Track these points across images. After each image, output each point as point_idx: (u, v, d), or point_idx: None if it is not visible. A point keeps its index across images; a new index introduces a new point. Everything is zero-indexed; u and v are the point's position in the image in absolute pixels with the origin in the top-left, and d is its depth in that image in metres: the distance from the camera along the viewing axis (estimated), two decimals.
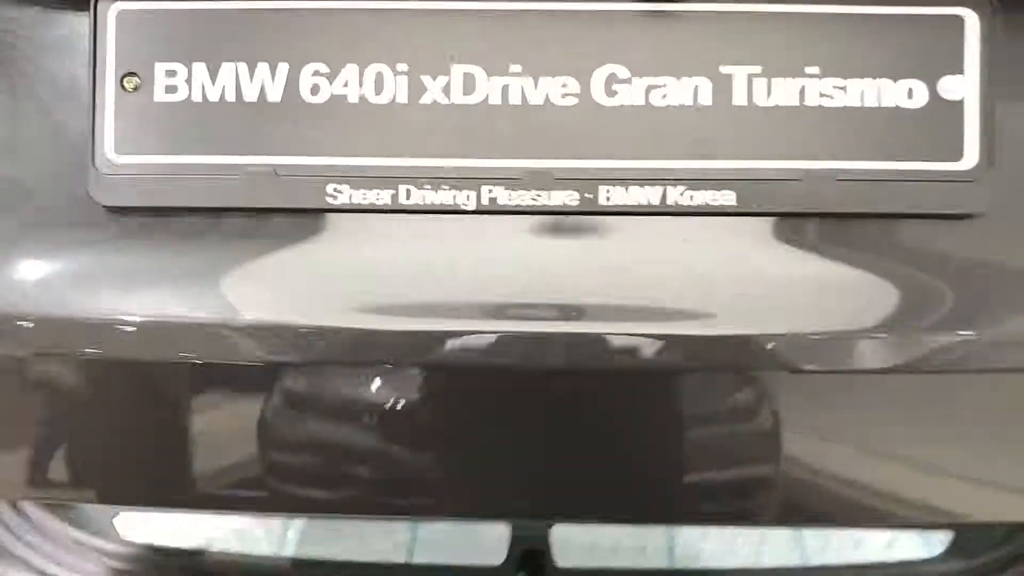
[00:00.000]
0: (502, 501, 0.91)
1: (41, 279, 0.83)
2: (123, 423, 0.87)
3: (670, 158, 0.78)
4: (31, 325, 0.82)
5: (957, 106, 0.75)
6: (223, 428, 0.88)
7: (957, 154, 0.76)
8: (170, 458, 0.89)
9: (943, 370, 0.77)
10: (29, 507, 1.25)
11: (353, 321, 0.81)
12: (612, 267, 0.80)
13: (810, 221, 0.78)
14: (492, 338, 0.80)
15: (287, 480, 0.89)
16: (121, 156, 0.80)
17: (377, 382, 0.84)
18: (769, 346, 0.78)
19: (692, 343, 0.79)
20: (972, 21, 0.75)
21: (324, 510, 0.97)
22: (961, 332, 0.76)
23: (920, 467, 0.84)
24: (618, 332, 0.79)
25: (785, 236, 0.78)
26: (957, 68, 0.76)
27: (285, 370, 0.84)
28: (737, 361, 0.79)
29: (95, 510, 1.31)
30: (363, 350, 0.81)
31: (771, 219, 0.78)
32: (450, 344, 0.81)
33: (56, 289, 0.83)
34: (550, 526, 1.30)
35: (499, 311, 0.81)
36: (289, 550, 1.28)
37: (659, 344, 0.79)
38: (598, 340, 0.79)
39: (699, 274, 0.79)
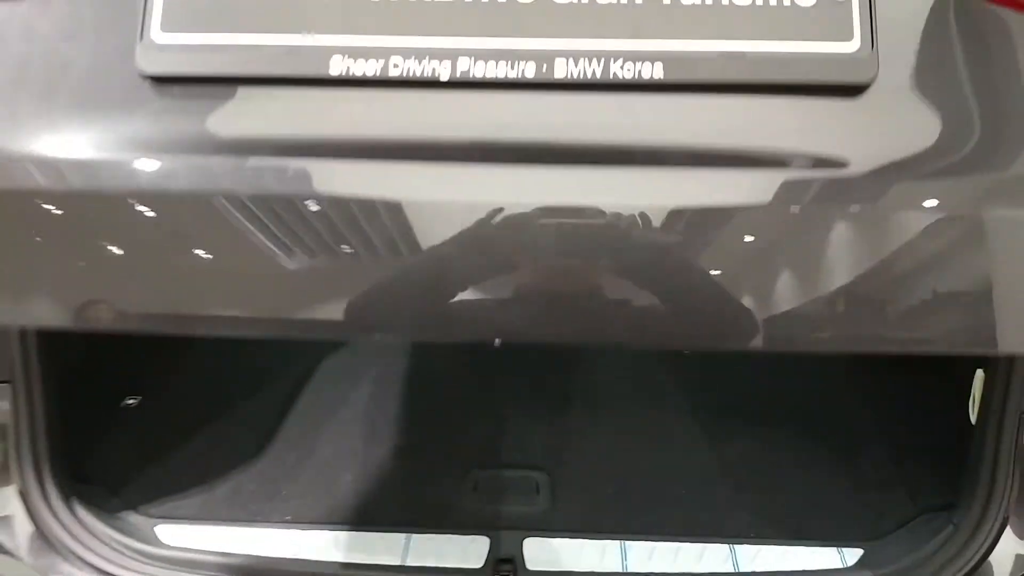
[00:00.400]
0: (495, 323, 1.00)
1: (94, 127, 0.99)
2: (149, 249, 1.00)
3: (612, 38, 0.93)
4: (89, 164, 0.98)
5: (846, 3, 0.93)
6: (249, 253, 0.99)
7: (847, 38, 0.92)
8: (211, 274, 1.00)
9: (838, 207, 0.93)
10: (82, 512, 1.48)
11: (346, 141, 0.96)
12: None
13: (728, 90, 0.92)
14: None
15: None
16: (164, 35, 0.96)
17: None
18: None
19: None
20: None
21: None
22: (852, 170, 0.93)
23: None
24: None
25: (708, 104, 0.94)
26: None
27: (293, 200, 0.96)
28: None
29: (138, 519, 1.54)
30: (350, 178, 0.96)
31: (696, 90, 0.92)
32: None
33: (106, 138, 0.99)
34: (524, 538, 1.52)
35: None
36: (295, 554, 1.49)
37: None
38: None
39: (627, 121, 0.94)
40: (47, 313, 1.01)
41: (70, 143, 0.99)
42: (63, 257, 1.00)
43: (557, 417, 1.88)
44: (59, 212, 0.99)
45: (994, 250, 0.93)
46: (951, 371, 1.64)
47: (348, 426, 1.85)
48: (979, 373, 1.49)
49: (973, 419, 1.49)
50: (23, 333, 1.45)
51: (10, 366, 1.45)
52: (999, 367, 1.39)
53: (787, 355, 2.04)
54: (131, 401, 1.89)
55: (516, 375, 2.03)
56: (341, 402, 1.93)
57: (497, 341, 1.04)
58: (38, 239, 0.99)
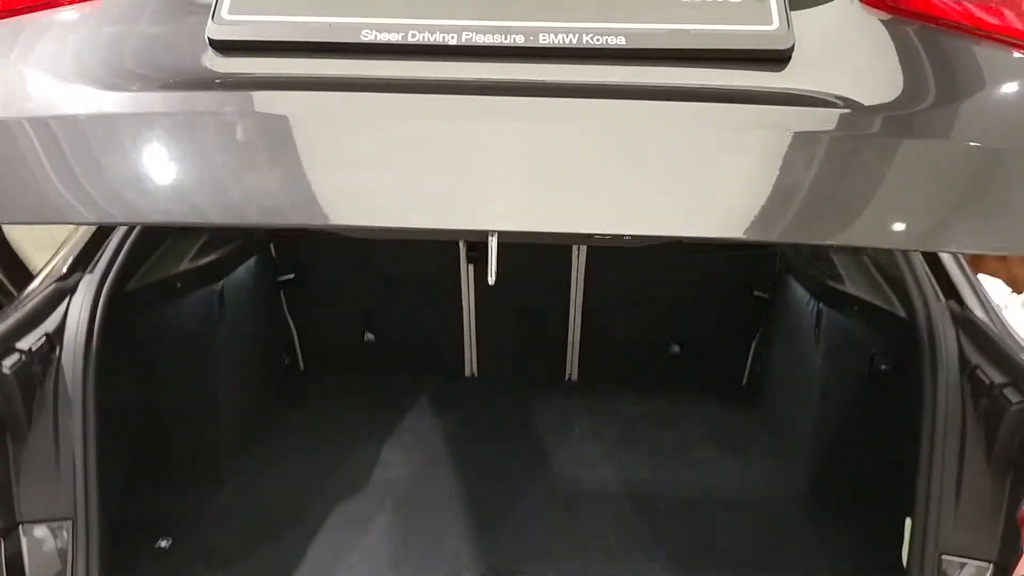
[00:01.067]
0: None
1: (172, 75, 1.25)
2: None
3: (587, 21, 1.20)
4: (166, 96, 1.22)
5: (766, 1, 1.21)
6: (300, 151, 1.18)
7: (768, 22, 1.19)
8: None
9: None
10: None
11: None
12: None
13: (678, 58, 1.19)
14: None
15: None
16: (231, 15, 1.23)
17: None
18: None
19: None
20: None
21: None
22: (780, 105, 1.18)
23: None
24: None
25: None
26: None
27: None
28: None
29: None
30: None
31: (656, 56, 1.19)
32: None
33: (179, 82, 1.24)
34: None
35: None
36: None
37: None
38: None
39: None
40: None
41: (154, 85, 1.27)
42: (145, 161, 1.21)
43: (538, 527, 2.10)
44: (151, 129, 1.23)
45: (872, 160, 1.18)
46: (891, 520, 1.88)
47: (357, 567, 2.06)
48: (908, 520, 1.73)
49: (905, 561, 1.73)
50: (86, 477, 1.70)
51: (72, 506, 1.69)
52: (921, 515, 1.64)
53: (750, 499, 2.29)
54: (163, 544, 2.11)
55: (503, 493, 2.26)
56: (351, 546, 2.14)
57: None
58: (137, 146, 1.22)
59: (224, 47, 1.22)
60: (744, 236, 1.13)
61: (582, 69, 1.20)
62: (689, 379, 3.05)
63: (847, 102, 1.18)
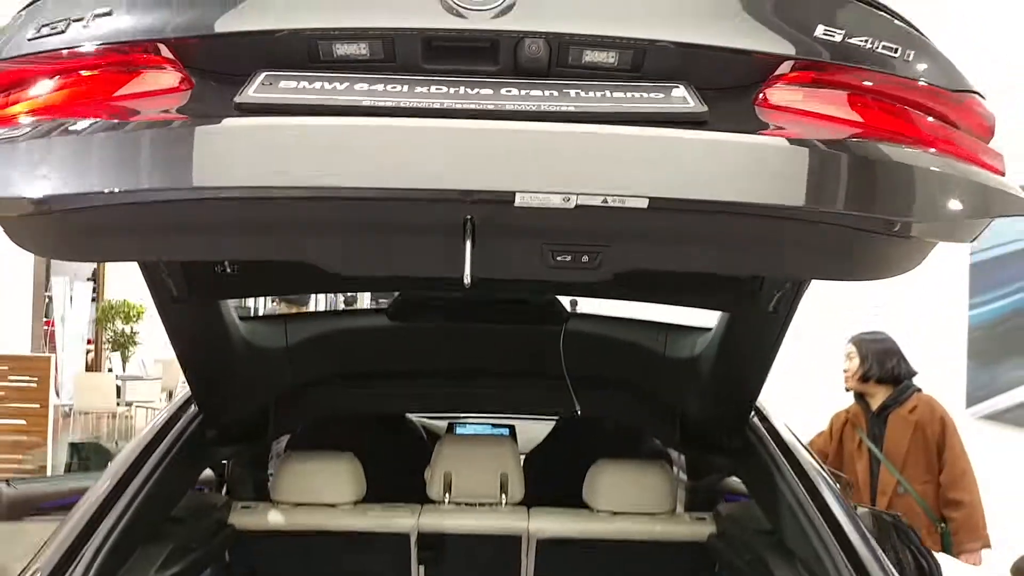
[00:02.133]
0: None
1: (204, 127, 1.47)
2: None
3: (540, 102, 1.46)
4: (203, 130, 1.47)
5: (681, 96, 1.49)
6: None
7: (686, 104, 1.47)
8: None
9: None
10: None
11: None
12: None
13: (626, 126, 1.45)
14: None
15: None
16: (254, 94, 1.45)
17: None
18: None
19: None
20: (683, 87, 1.50)
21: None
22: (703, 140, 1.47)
23: None
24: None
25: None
26: (681, 81, 1.52)
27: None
28: None
29: None
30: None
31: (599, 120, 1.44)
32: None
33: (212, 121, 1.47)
34: None
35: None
36: None
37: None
38: None
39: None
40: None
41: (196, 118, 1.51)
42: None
43: None
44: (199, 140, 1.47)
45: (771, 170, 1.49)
46: None
47: None
48: None
49: None
50: None
51: None
52: None
53: None
54: None
55: None
56: None
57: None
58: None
59: (245, 109, 1.48)
60: (671, 194, 1.45)
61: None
62: None
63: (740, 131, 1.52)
